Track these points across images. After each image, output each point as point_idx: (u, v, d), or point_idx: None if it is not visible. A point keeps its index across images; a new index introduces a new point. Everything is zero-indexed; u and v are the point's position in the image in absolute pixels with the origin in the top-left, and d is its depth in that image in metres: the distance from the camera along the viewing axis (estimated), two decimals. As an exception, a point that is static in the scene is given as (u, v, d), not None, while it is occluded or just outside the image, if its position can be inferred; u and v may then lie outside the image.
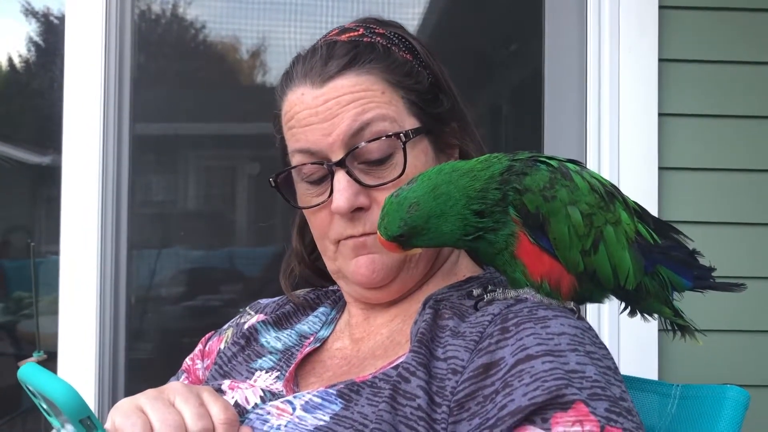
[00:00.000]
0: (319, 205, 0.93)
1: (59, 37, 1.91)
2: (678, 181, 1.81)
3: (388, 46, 0.94)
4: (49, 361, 1.87)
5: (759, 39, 1.85)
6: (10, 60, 2.21)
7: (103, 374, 1.82)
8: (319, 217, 0.94)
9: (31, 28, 2.20)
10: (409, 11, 2.13)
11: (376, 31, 0.95)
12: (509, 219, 0.78)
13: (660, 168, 1.80)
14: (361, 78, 0.90)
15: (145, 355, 2.02)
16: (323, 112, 0.89)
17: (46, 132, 2.12)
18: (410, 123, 0.92)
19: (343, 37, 0.94)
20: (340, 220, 0.92)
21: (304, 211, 0.98)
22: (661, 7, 1.81)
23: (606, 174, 1.80)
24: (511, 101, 2.18)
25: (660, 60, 1.81)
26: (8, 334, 2.19)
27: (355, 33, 0.94)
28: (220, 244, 2.14)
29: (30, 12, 2.20)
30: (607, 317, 1.77)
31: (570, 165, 0.80)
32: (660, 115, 1.80)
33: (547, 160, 0.79)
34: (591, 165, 1.83)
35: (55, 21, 2.17)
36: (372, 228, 0.89)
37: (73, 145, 1.83)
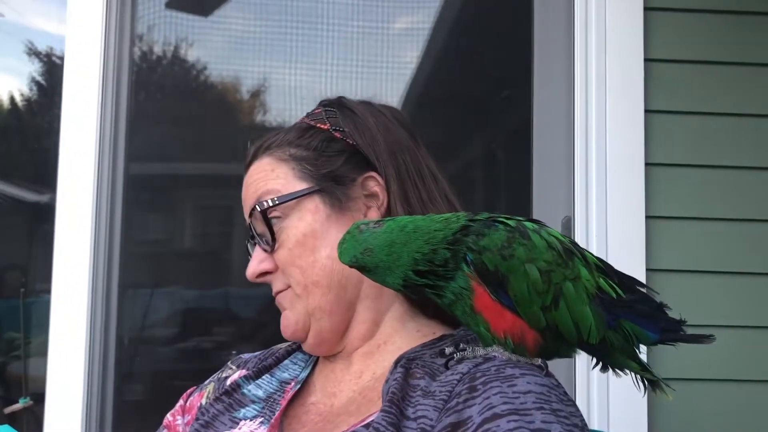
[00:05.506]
0: None
1: (60, 77, 1.93)
2: (665, 229, 1.82)
3: (311, 123, 1.02)
4: (36, 404, 1.85)
5: (742, 90, 1.87)
6: (12, 98, 2.25)
7: (90, 418, 1.80)
8: None
9: (33, 68, 2.23)
10: (407, 54, 2.18)
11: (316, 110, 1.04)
12: (461, 273, 0.80)
13: (647, 217, 1.81)
14: (263, 162, 1.00)
15: (134, 398, 2.00)
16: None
17: (44, 170, 2.14)
18: (299, 187, 0.97)
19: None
20: None
21: None
22: (646, 60, 1.83)
23: (593, 222, 1.82)
24: (502, 147, 2.20)
25: (646, 111, 1.83)
26: (-3, 376, 2.17)
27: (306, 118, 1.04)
28: (214, 284, 2.15)
29: (33, 52, 2.24)
30: (596, 373, 1.75)
31: (528, 224, 0.81)
32: (647, 164, 1.82)
33: (506, 220, 0.81)
34: (579, 213, 1.85)
35: (57, 61, 2.21)
36: (278, 287, 0.99)
37: (68, 183, 1.84)
